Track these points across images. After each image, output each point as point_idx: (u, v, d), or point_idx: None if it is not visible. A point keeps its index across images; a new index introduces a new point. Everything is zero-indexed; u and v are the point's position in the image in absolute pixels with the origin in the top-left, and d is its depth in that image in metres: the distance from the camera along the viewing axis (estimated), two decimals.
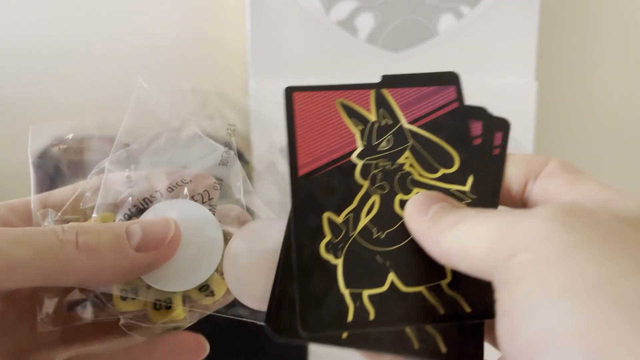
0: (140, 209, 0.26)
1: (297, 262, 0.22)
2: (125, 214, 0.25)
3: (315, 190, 0.23)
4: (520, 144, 0.73)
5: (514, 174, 0.23)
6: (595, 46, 0.85)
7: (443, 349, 0.20)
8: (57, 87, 0.80)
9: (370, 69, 0.70)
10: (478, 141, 0.26)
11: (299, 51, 0.69)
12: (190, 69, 0.81)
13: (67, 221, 0.24)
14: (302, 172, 0.23)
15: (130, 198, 0.26)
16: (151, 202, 0.26)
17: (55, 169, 0.71)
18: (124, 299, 0.24)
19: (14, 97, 0.80)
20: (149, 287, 0.24)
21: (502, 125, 0.26)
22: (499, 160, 0.25)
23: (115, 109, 0.87)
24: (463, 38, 0.71)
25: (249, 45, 0.69)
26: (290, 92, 0.25)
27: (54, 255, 0.20)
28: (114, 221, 0.25)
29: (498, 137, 0.26)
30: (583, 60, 0.86)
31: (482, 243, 0.18)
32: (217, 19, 0.80)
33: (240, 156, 0.74)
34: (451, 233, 0.19)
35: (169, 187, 0.26)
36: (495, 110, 0.78)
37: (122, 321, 0.24)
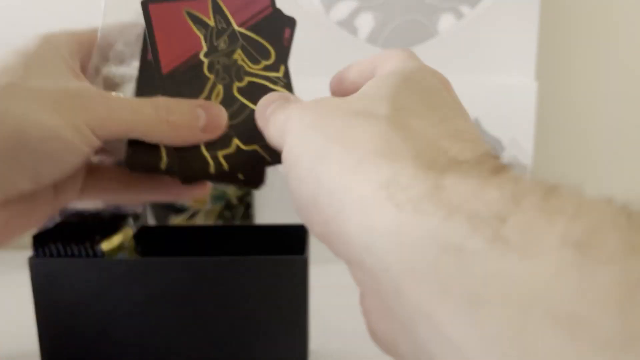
0: None
1: None
2: None
3: (176, 85, 0.30)
4: (519, 143, 0.73)
5: (358, 76, 0.29)
6: (595, 46, 0.86)
7: (241, 177, 0.32)
8: None
9: None
10: (287, 35, 0.34)
11: (299, 51, 0.69)
12: None
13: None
14: (164, 71, 0.30)
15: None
16: None
17: None
18: None
19: None
20: None
21: (290, 24, 0.35)
22: (287, 51, 0.34)
23: None
24: (463, 38, 0.71)
25: None
26: (146, 5, 0.29)
27: (152, 126, 0.28)
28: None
29: (287, 32, 0.34)
30: (583, 60, 0.86)
31: (277, 129, 0.26)
32: None
33: None
34: (274, 127, 0.26)
35: None
36: (496, 109, 0.79)
37: None
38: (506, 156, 0.73)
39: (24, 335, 0.48)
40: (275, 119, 0.26)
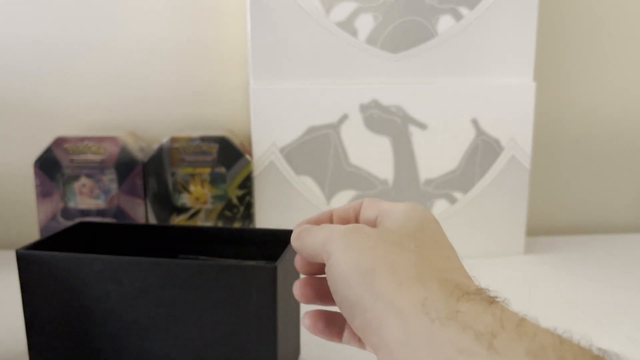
0: None
1: None
2: None
3: None
4: (518, 143, 0.74)
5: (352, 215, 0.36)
6: (592, 47, 0.86)
7: None
8: (67, 89, 0.81)
9: (369, 70, 0.71)
10: None
11: (299, 52, 0.70)
12: (193, 70, 0.82)
13: None
14: None
15: None
16: None
17: (55, 168, 0.72)
18: None
19: (18, 99, 0.81)
20: None
21: None
22: None
23: (119, 109, 0.88)
24: (462, 39, 0.71)
25: (250, 46, 0.69)
26: None
27: None
28: None
29: None
30: (580, 61, 0.86)
31: (317, 244, 0.33)
32: (218, 21, 0.81)
33: (241, 156, 0.75)
34: (312, 244, 0.33)
35: None
36: (495, 109, 0.79)
37: None
38: (505, 156, 0.74)
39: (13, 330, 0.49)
40: (314, 236, 0.33)
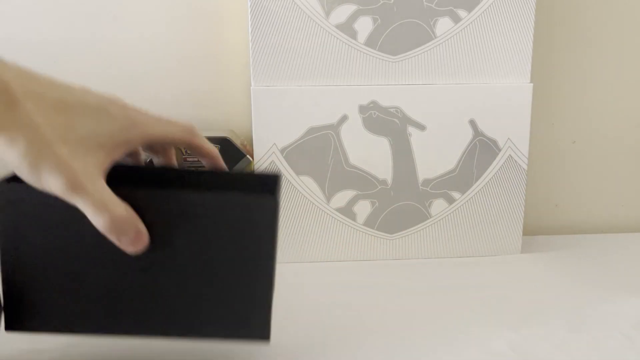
0: None
1: None
2: None
3: None
4: (515, 144, 0.74)
5: None
6: (589, 48, 0.87)
7: None
8: None
9: (369, 71, 0.71)
10: None
11: (300, 53, 0.71)
12: (194, 72, 0.83)
13: None
14: None
15: None
16: None
17: None
18: None
19: None
20: None
21: None
22: None
23: None
24: (460, 41, 0.72)
25: (250, 48, 0.70)
26: None
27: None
28: None
29: None
30: (577, 62, 0.87)
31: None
32: (220, 23, 0.82)
33: (242, 156, 0.76)
34: None
35: None
36: (492, 110, 0.80)
37: None
38: (502, 156, 0.75)
39: None
40: None
